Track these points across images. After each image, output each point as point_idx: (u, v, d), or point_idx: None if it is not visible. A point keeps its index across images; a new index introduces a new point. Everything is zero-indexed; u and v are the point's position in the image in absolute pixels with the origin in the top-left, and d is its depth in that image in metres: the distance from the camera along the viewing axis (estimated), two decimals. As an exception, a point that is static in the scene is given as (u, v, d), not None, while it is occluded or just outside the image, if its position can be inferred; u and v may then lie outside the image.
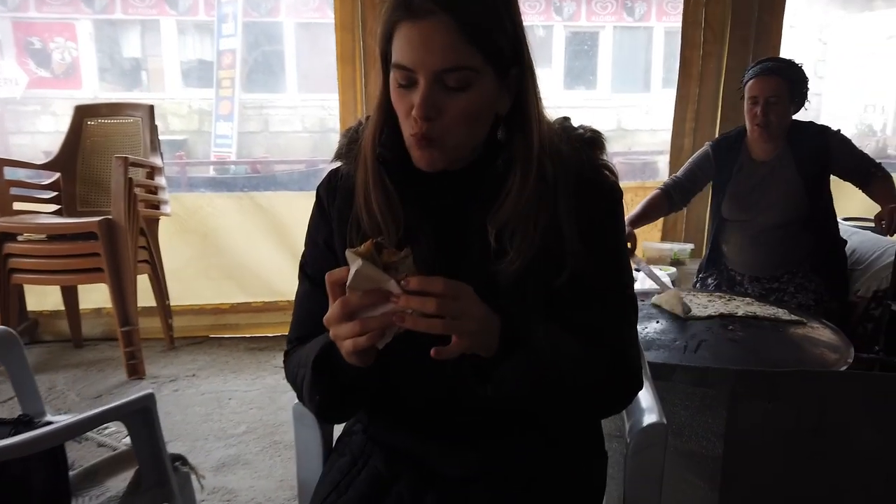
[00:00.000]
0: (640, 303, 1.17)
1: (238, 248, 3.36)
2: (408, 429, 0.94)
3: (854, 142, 2.23)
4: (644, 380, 0.94)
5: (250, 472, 2.16)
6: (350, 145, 0.94)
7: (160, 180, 3.08)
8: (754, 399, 1.44)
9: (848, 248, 2.33)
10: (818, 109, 9.76)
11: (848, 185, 2.25)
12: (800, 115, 2.23)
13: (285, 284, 3.19)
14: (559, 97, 11.78)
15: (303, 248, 0.99)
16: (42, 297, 3.21)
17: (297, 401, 0.99)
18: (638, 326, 0.99)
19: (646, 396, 1.03)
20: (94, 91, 11.02)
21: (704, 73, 3.19)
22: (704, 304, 1.91)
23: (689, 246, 3.13)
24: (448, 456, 0.92)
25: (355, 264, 0.70)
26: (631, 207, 2.35)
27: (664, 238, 3.36)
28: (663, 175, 4.43)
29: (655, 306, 1.91)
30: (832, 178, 2.24)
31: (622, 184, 0.95)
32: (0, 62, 10.63)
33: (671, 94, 3.32)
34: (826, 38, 11.33)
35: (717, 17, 3.13)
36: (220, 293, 3.36)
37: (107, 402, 1.15)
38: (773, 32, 3.17)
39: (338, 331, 0.74)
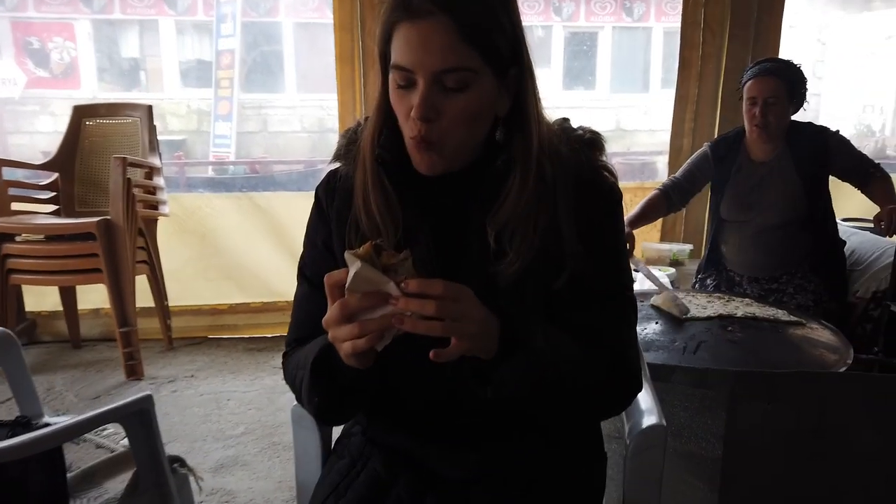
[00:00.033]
0: (639, 303, 1.17)
1: (237, 248, 3.36)
2: (407, 431, 0.94)
3: (853, 142, 2.24)
4: (643, 381, 0.94)
5: (249, 473, 2.16)
6: (349, 146, 0.93)
7: (159, 181, 3.08)
8: (754, 400, 1.44)
9: (847, 249, 2.33)
10: (817, 110, 9.76)
11: (847, 185, 2.25)
12: (798, 116, 2.23)
13: (284, 285, 3.19)
14: (558, 97, 11.78)
15: (301, 249, 0.99)
16: (40, 298, 3.20)
17: (295, 402, 0.99)
18: (637, 327, 0.99)
19: (645, 398, 1.03)
20: (93, 91, 11.01)
21: (703, 74, 3.19)
22: (703, 305, 1.91)
23: (689, 246, 3.13)
24: (448, 458, 0.91)
25: (354, 266, 0.70)
26: (630, 208, 2.35)
27: (663, 239, 3.36)
28: (662, 175, 4.43)
29: (654, 307, 1.91)
30: (831, 178, 2.24)
31: (621, 184, 0.95)
32: (-2, 62, 10.64)
33: (670, 94, 3.32)
34: (825, 39, 11.34)
35: (716, 18, 3.13)
36: (218, 294, 3.35)
37: (105, 403, 1.15)
38: (773, 33, 3.16)
39: (336, 333, 0.73)
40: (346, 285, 0.71)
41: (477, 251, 0.86)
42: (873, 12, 10.74)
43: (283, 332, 0.99)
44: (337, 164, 0.95)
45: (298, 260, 0.98)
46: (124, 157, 2.74)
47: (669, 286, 2.28)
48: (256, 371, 2.97)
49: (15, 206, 2.99)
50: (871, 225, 2.19)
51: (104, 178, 3.04)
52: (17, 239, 2.82)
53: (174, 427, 2.44)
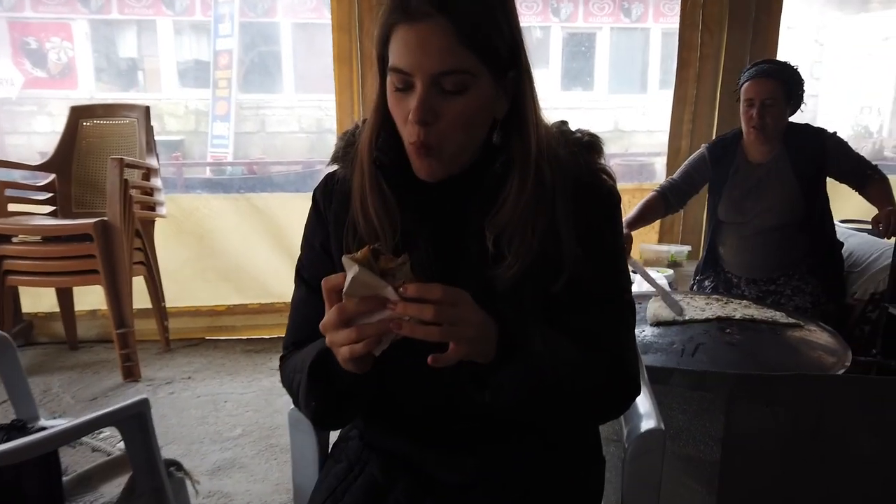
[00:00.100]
0: (637, 305, 1.16)
1: (234, 249, 3.35)
2: (405, 435, 0.93)
3: (850, 143, 2.24)
4: (642, 384, 0.94)
5: (246, 475, 2.15)
6: (346, 149, 0.93)
7: (156, 182, 3.07)
8: (752, 403, 1.44)
9: (845, 251, 2.33)
10: (815, 111, 9.78)
11: (844, 187, 2.25)
12: (796, 117, 2.23)
13: (282, 286, 3.19)
14: (556, 98, 11.78)
15: (299, 251, 0.98)
16: (37, 299, 3.19)
17: (292, 406, 0.98)
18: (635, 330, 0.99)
19: (644, 401, 1.03)
20: (91, 91, 10.99)
21: (702, 75, 3.19)
22: (702, 307, 1.91)
23: (687, 248, 3.13)
24: (446, 463, 0.91)
25: (352, 271, 0.70)
26: (628, 209, 2.35)
27: (661, 240, 3.36)
28: (660, 176, 4.42)
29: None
30: (829, 180, 2.24)
31: (619, 185, 0.94)
32: (-4, 62, 10.62)
33: (668, 95, 3.32)
34: (823, 40, 11.35)
35: (714, 19, 3.13)
36: (216, 295, 3.35)
37: (102, 405, 1.15)
38: (771, 34, 3.17)
39: (334, 337, 0.73)
40: (344, 290, 0.71)
41: (475, 255, 0.86)
42: (871, 13, 10.76)
43: (281, 333, 0.99)
44: (335, 167, 0.95)
45: (296, 262, 0.98)
46: (121, 159, 2.74)
47: (667, 287, 2.28)
48: (254, 373, 2.96)
49: (11, 207, 2.98)
50: (869, 226, 2.19)
51: (101, 179, 3.03)
52: (14, 240, 2.81)
53: (171, 429, 2.43)
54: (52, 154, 3.16)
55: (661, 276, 2.49)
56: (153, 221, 3.08)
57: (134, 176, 2.91)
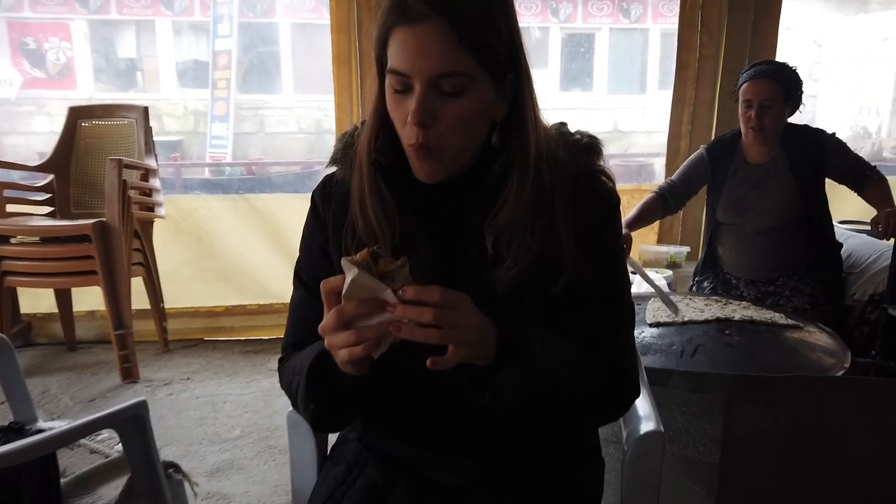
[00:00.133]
0: (636, 306, 1.16)
1: (233, 250, 3.35)
2: (404, 438, 0.93)
3: (849, 144, 2.24)
4: (641, 386, 0.94)
5: (245, 477, 2.15)
6: (345, 150, 0.93)
7: (155, 182, 3.07)
8: (751, 404, 1.44)
9: (844, 252, 2.33)
10: (813, 112, 9.80)
11: (843, 187, 2.25)
12: (795, 118, 2.23)
13: (280, 287, 3.19)
14: (555, 99, 11.79)
15: (298, 252, 0.98)
16: (35, 300, 3.19)
17: (291, 408, 0.98)
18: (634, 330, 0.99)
19: (643, 403, 1.03)
20: (89, 91, 10.98)
21: (701, 76, 3.19)
22: (701, 308, 1.91)
23: (686, 249, 3.13)
24: (445, 465, 0.91)
25: (351, 273, 0.70)
26: (627, 210, 2.35)
27: (660, 241, 3.36)
28: (659, 177, 4.43)
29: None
30: (827, 181, 2.24)
31: (618, 186, 0.94)
32: (-6, 62, 10.61)
33: (667, 95, 3.32)
34: (821, 40, 11.36)
35: (713, 20, 3.13)
36: (214, 296, 3.34)
37: (101, 406, 1.15)
38: (770, 34, 3.17)
39: (333, 340, 0.73)
40: (343, 292, 0.70)
41: (474, 257, 0.85)
42: (870, 14, 10.77)
43: (280, 334, 0.99)
44: (333, 168, 0.95)
45: (295, 264, 0.98)
46: (120, 159, 2.73)
47: (666, 287, 2.28)
48: (253, 374, 2.96)
49: (10, 207, 2.98)
50: (868, 228, 2.19)
51: (100, 180, 3.03)
52: (13, 241, 2.81)
53: (170, 430, 2.43)
54: (51, 155, 3.16)
55: (660, 276, 2.49)
56: (152, 222, 3.08)
57: (132, 176, 2.91)
